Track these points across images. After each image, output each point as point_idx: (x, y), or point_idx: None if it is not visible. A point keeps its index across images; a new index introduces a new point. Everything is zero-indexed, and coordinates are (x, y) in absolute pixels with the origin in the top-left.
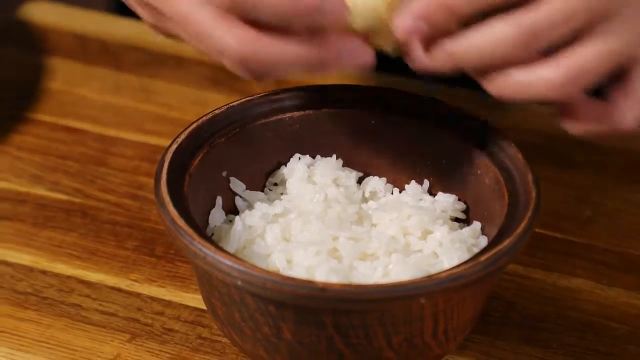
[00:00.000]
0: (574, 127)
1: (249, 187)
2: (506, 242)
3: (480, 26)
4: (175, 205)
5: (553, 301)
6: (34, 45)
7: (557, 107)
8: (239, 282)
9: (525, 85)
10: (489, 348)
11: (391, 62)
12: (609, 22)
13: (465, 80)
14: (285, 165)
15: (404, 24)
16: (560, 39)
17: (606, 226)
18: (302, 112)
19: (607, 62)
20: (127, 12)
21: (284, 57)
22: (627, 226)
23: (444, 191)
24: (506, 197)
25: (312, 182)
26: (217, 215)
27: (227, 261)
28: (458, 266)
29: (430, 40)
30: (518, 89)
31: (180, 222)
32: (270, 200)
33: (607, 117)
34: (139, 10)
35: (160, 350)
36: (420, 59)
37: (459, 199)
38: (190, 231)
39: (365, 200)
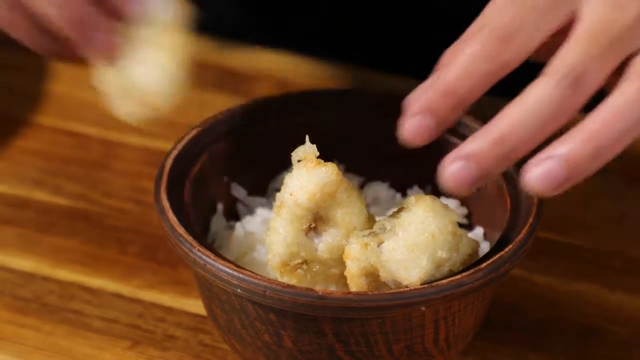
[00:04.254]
0: None
1: (251, 193)
2: (508, 249)
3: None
4: (175, 212)
5: (557, 305)
6: None
7: None
8: (239, 290)
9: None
10: (492, 354)
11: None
12: None
13: None
14: (287, 171)
15: (409, 125)
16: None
17: (610, 230)
18: (303, 117)
19: None
20: None
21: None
22: (632, 230)
23: (447, 196)
24: (508, 202)
25: None
26: (218, 221)
27: (227, 269)
28: (459, 273)
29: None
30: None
31: (180, 229)
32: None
33: None
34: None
35: (162, 357)
36: (467, 168)
37: (461, 204)
38: (189, 238)
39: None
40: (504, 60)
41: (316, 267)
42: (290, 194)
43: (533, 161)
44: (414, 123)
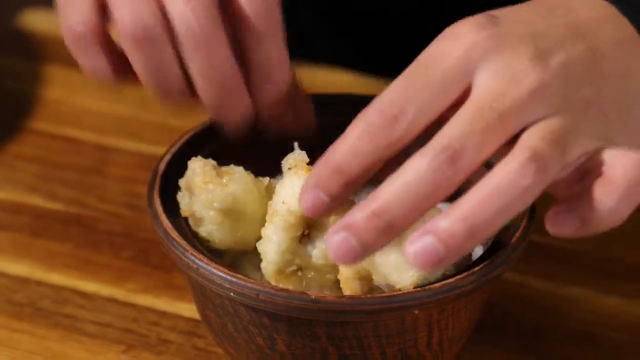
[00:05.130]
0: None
1: None
2: (501, 252)
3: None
4: (169, 216)
5: (550, 310)
6: (32, 53)
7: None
8: (232, 294)
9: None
10: (485, 357)
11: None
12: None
13: None
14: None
15: (305, 199)
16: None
17: (605, 233)
18: None
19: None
20: None
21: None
22: (626, 234)
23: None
24: None
25: None
26: None
27: (220, 273)
28: (452, 276)
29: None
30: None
31: (174, 233)
32: None
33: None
34: None
35: None
36: (346, 242)
37: None
38: (183, 242)
39: None
40: (390, 139)
41: (311, 274)
42: (283, 202)
43: (412, 237)
44: (309, 197)
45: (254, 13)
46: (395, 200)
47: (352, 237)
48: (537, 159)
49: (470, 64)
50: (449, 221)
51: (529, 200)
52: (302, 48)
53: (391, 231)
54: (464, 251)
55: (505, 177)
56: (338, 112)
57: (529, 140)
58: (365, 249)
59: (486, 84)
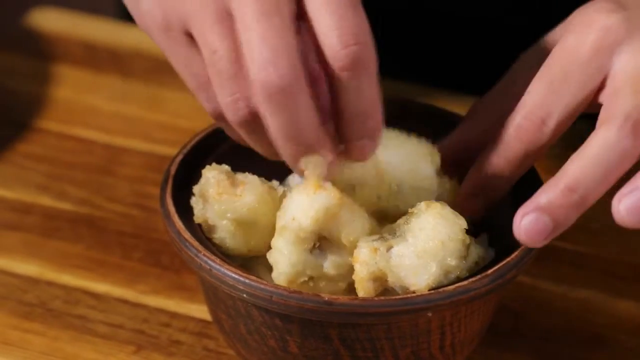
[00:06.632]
0: None
1: None
2: (514, 255)
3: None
4: (181, 216)
5: (562, 313)
6: (42, 53)
7: None
8: (245, 296)
9: None
10: None
11: (407, 69)
12: None
13: (476, 89)
14: (293, 175)
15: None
16: None
17: (616, 237)
18: None
19: None
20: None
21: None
22: (637, 236)
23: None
24: (514, 208)
25: None
26: None
27: (233, 274)
28: (465, 279)
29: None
30: None
31: (186, 234)
32: None
33: None
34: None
35: None
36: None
37: None
38: (195, 243)
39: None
40: (540, 141)
41: (323, 284)
42: (293, 219)
43: (620, 193)
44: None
45: (345, 53)
46: (587, 172)
47: (544, 216)
48: None
49: (606, 53)
50: None
51: None
52: None
53: (583, 205)
54: None
55: None
56: None
57: None
58: (557, 226)
59: (628, 63)
